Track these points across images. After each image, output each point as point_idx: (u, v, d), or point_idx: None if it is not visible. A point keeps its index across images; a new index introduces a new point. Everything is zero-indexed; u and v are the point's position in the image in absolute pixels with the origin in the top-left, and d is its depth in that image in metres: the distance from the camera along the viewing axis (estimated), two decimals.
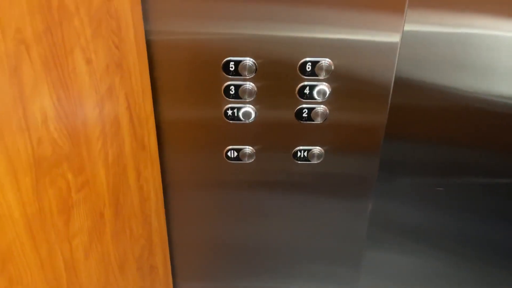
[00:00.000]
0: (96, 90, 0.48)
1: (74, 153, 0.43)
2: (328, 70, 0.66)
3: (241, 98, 0.69)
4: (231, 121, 0.71)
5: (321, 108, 0.69)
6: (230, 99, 0.69)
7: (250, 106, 0.70)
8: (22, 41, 0.33)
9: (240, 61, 0.66)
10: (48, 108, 0.37)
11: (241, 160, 0.75)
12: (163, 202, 0.77)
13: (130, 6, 0.56)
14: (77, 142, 0.44)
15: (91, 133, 0.47)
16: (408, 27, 0.64)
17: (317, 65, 0.66)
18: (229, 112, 0.70)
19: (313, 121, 0.70)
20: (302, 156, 0.75)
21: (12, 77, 0.32)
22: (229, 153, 0.75)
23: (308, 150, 0.74)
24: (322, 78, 0.67)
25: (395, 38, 0.64)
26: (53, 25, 0.37)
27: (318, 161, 0.75)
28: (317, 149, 0.74)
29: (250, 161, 0.75)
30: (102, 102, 0.50)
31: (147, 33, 0.63)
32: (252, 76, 0.67)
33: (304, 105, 0.70)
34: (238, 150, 0.74)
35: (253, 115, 0.70)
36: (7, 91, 0.32)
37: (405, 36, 0.65)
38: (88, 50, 0.45)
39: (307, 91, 0.68)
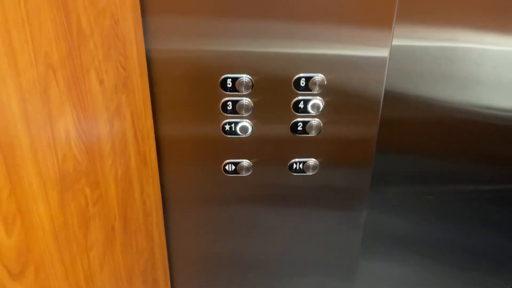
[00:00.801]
0: (107, 108, 0.50)
1: (90, 169, 0.45)
2: (321, 85, 0.69)
3: (238, 113, 0.71)
4: (228, 136, 0.73)
5: (315, 121, 0.72)
6: (228, 115, 0.72)
7: (247, 120, 0.72)
8: (50, 65, 0.35)
9: (237, 77, 0.69)
10: (70, 126, 0.40)
11: (239, 174, 0.77)
12: (162, 216, 0.79)
13: (133, 27, 0.59)
14: (92, 158, 0.46)
15: (104, 149, 0.49)
16: (396, 42, 0.68)
17: (311, 80, 0.69)
18: (227, 127, 0.73)
19: (308, 134, 0.73)
20: (297, 168, 0.77)
21: (42, 99, 0.34)
22: (227, 167, 0.77)
23: (304, 162, 0.77)
24: (316, 92, 0.70)
25: (384, 53, 0.68)
26: (73, 49, 0.39)
27: (313, 173, 0.78)
28: (312, 161, 0.77)
29: (248, 174, 0.77)
30: (112, 119, 0.52)
31: (146, 51, 0.66)
32: (249, 92, 0.70)
33: (299, 119, 0.72)
34: (235, 164, 0.77)
35: (250, 130, 0.73)
36: (39, 111, 0.34)
37: (393, 50, 0.68)
38: (101, 71, 0.47)
39: (301, 105, 0.71)
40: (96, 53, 0.46)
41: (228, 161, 0.77)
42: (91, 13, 0.44)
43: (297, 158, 0.77)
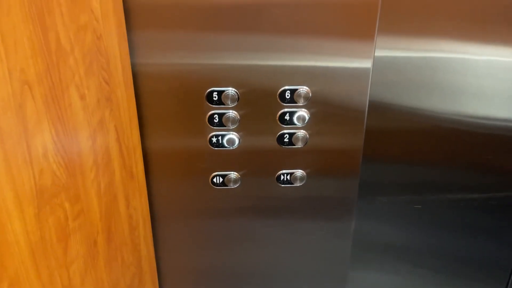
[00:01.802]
0: (89, 123, 0.51)
1: (70, 183, 0.46)
2: (306, 97, 0.70)
3: (225, 126, 0.72)
4: (215, 148, 0.74)
5: (301, 133, 0.73)
6: (214, 127, 0.72)
7: (234, 133, 0.73)
8: (26, 81, 0.36)
9: (223, 91, 0.69)
10: (48, 142, 0.40)
11: (227, 186, 0.77)
12: (151, 230, 0.79)
13: (117, 42, 0.60)
14: (73, 173, 0.46)
15: (85, 164, 0.50)
16: (379, 53, 0.69)
17: (296, 92, 0.70)
18: (214, 139, 0.73)
19: (294, 145, 0.74)
20: (285, 179, 0.78)
21: (18, 115, 0.35)
22: (214, 179, 0.77)
23: (291, 174, 0.77)
24: (301, 104, 0.71)
25: (367, 64, 0.69)
26: (51, 65, 0.40)
27: (301, 184, 0.78)
28: (299, 172, 0.77)
29: (236, 186, 0.78)
30: (95, 134, 0.52)
31: (133, 65, 0.66)
32: (235, 104, 0.70)
33: (285, 131, 0.73)
34: (223, 176, 0.77)
35: (237, 142, 0.73)
36: (13, 128, 0.34)
37: (376, 61, 0.69)
38: (82, 86, 0.48)
39: (287, 117, 0.72)
40: (77, 69, 0.47)
41: (215, 173, 0.77)
42: (71, 29, 0.45)
43: (284, 169, 0.77)
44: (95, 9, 0.52)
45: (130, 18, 0.64)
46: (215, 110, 0.71)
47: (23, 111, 0.36)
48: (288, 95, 0.70)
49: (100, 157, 0.54)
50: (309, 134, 0.74)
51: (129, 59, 0.64)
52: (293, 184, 0.78)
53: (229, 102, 0.70)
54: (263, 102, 0.71)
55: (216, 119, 0.72)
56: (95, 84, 0.52)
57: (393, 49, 0.70)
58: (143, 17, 0.64)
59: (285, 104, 0.71)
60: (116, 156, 0.60)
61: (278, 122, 0.72)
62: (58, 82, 0.42)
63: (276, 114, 0.72)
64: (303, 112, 0.71)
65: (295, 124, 0.72)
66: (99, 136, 0.54)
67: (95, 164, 0.53)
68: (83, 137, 0.50)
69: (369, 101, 0.72)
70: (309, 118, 0.72)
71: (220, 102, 0.70)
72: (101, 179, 0.55)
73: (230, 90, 0.69)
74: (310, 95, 0.70)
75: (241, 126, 0.73)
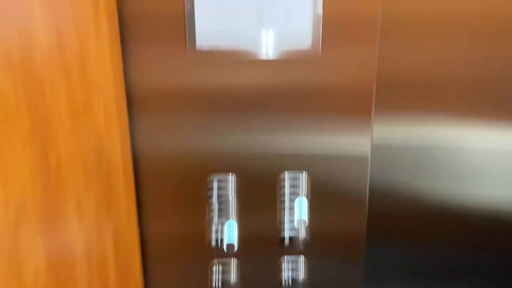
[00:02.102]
0: (85, 232, 0.52)
1: None
2: (305, 184, 0.71)
3: (224, 216, 0.72)
4: (215, 242, 0.74)
5: (302, 220, 0.73)
6: (214, 218, 0.73)
7: (234, 225, 0.73)
8: (23, 205, 0.37)
9: (222, 178, 0.70)
10: (41, 261, 0.41)
11: (225, 277, 0.76)
12: None
13: (120, 145, 0.61)
14: (64, 285, 0.46)
15: (80, 275, 0.50)
16: (376, 140, 0.71)
17: (296, 178, 0.71)
18: (214, 238, 0.73)
19: (296, 233, 0.74)
20: (287, 268, 0.77)
21: (12, 236, 0.36)
22: (214, 271, 0.76)
23: (293, 263, 0.76)
24: (301, 190, 0.71)
25: (365, 150, 0.70)
26: (50, 185, 0.42)
27: (304, 271, 0.77)
28: (302, 260, 0.76)
29: (235, 275, 0.76)
30: (90, 241, 0.53)
31: (133, 154, 0.68)
32: (234, 191, 0.71)
33: (285, 219, 0.73)
34: (223, 266, 0.76)
35: (236, 245, 0.73)
36: (5, 254, 0.35)
37: (374, 148, 0.71)
38: (80, 197, 0.49)
39: (287, 205, 0.72)
40: (76, 182, 0.48)
41: (215, 264, 0.76)
42: (73, 148, 0.47)
43: (287, 258, 0.76)
44: (98, 123, 0.54)
45: (131, 109, 0.66)
46: (214, 199, 0.72)
47: (17, 233, 0.37)
48: (287, 181, 0.71)
49: (95, 264, 0.54)
50: (310, 221, 0.74)
51: (131, 166, 0.64)
52: (296, 272, 0.77)
53: (228, 190, 0.71)
54: (263, 189, 0.72)
55: (215, 208, 0.72)
56: (94, 191, 0.53)
57: (391, 136, 0.71)
58: (143, 109, 0.67)
59: (285, 190, 0.72)
60: (112, 258, 0.60)
61: (279, 211, 0.73)
62: (55, 198, 0.43)
63: (276, 202, 0.73)
64: (303, 198, 0.72)
65: (296, 211, 0.72)
66: (95, 243, 0.55)
67: (89, 271, 0.53)
68: (78, 248, 0.50)
69: (370, 185, 0.73)
70: (309, 205, 0.72)
71: (219, 189, 0.71)
72: (95, 286, 0.55)
73: (229, 178, 0.71)
74: (310, 181, 0.71)
75: (241, 215, 0.73)
